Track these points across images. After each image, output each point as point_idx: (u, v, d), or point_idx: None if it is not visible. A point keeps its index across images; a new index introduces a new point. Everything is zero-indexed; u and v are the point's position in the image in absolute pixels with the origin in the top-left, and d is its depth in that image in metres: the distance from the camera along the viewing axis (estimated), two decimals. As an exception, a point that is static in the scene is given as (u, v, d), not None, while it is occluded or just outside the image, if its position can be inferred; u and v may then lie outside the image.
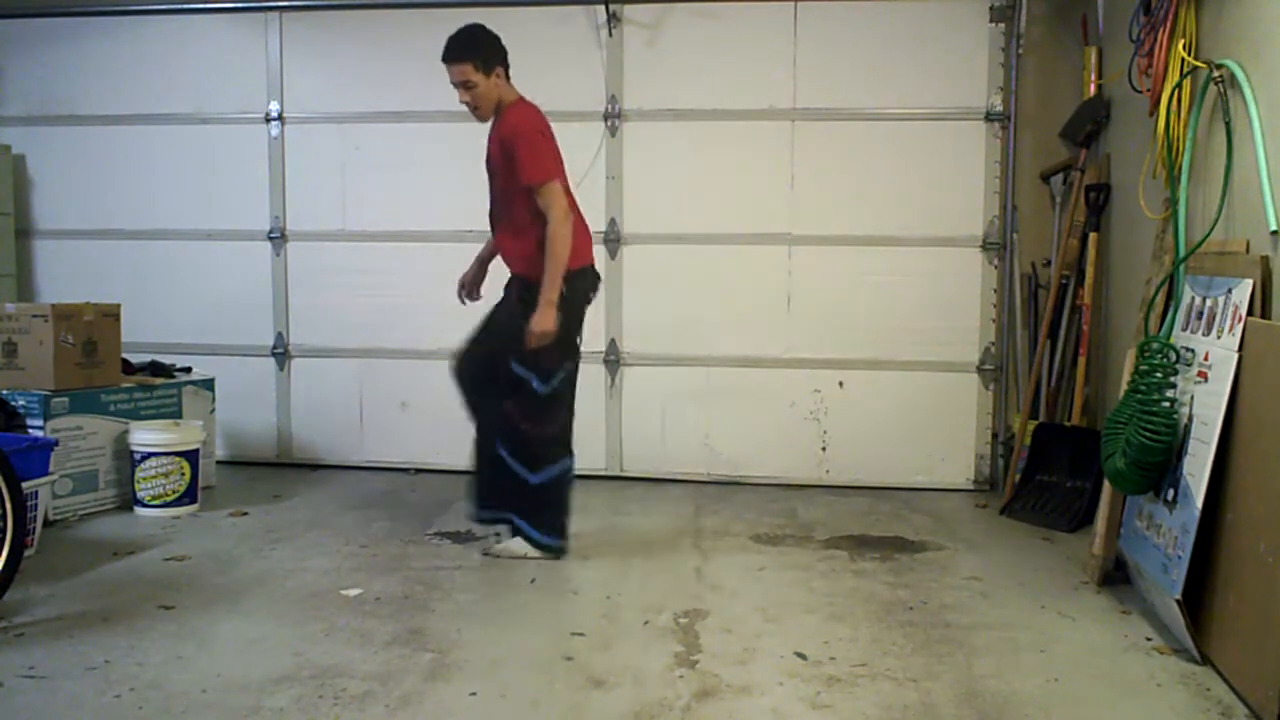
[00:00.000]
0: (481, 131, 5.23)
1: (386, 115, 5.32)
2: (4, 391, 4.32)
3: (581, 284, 3.77)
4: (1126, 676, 2.85)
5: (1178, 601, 2.91)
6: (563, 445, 3.82)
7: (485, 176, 5.33)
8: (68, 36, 5.54)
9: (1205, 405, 2.99)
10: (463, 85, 3.72)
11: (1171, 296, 3.49)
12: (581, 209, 5.12)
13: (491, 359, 3.81)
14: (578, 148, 5.14)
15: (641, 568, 3.78)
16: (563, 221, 3.62)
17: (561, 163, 3.76)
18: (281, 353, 5.48)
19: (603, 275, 5.16)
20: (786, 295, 5.09)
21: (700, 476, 5.15)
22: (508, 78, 3.80)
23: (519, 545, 3.83)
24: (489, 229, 4.01)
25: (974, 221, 5.02)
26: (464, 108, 5.19)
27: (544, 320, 3.58)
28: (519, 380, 3.71)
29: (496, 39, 3.75)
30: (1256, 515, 2.72)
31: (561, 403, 3.80)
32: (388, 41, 5.30)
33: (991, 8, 4.93)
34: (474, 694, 2.69)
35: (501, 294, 3.95)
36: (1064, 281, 4.73)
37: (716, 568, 3.79)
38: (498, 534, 3.98)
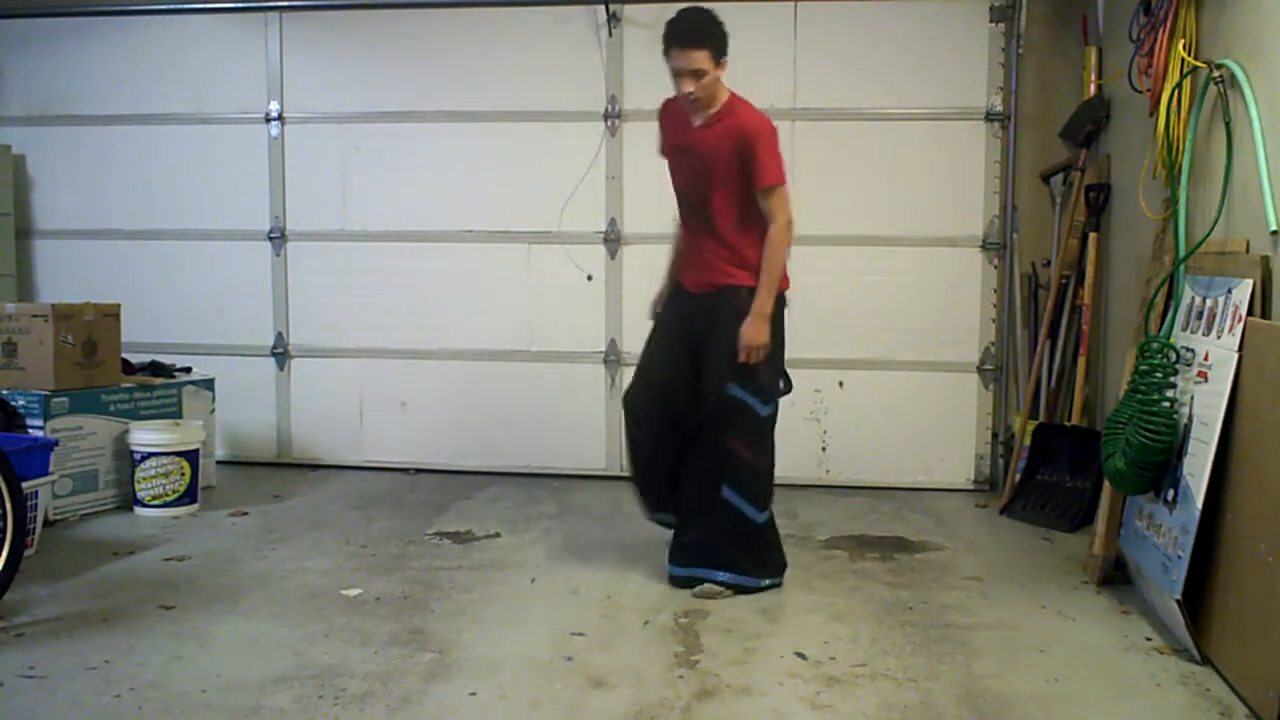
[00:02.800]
0: (481, 132, 5.29)
1: (386, 115, 5.32)
2: (4, 391, 4.32)
3: (784, 307, 3.56)
4: (1126, 676, 2.85)
5: (1178, 601, 2.91)
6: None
7: (509, 177, 5.30)
8: (67, 36, 5.54)
9: (1205, 405, 2.99)
10: (692, 75, 3.35)
11: (1171, 296, 3.49)
12: (590, 209, 5.16)
13: (694, 384, 3.48)
14: (578, 148, 5.17)
15: (641, 568, 3.78)
16: (786, 229, 3.42)
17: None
18: (281, 353, 5.48)
19: (603, 275, 5.24)
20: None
21: (700, 476, 5.16)
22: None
23: (712, 588, 3.46)
24: (684, 236, 3.73)
25: (974, 221, 5.02)
26: (463, 107, 5.27)
27: (759, 332, 3.36)
28: (736, 405, 3.41)
29: (725, 26, 3.42)
30: (1256, 515, 2.72)
31: (774, 427, 3.55)
32: (388, 41, 5.30)
33: (991, 8, 4.93)
34: (474, 694, 2.69)
35: (675, 309, 3.65)
36: (1064, 281, 4.73)
37: (716, 568, 3.79)
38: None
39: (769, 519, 3.54)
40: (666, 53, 3.39)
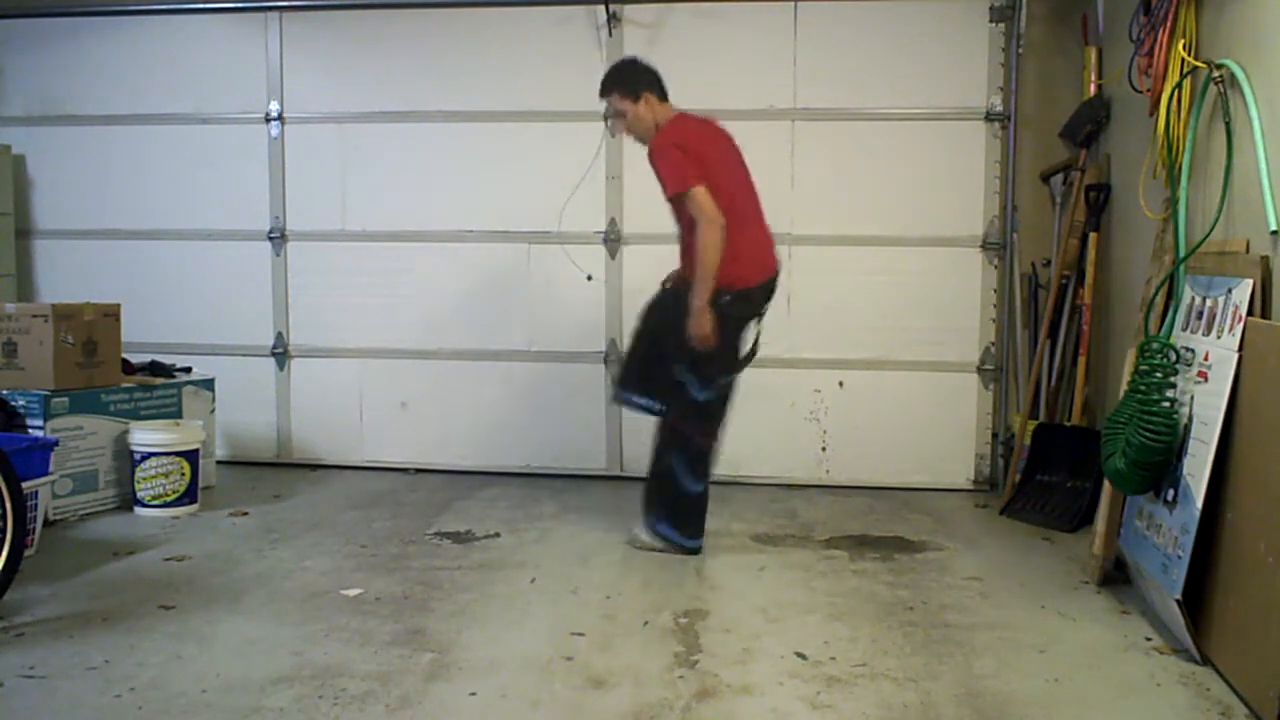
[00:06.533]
0: (481, 132, 5.30)
1: (386, 115, 5.32)
2: (4, 391, 4.32)
3: (738, 304, 3.78)
4: (1126, 676, 2.85)
5: (1178, 601, 2.91)
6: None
7: (509, 177, 5.36)
8: (67, 36, 5.54)
9: (1205, 405, 2.99)
10: (616, 115, 3.95)
11: (1171, 296, 3.49)
12: (591, 209, 5.16)
13: (655, 355, 3.89)
14: (578, 148, 5.16)
15: (641, 568, 3.78)
16: (707, 228, 3.65)
17: (716, 169, 3.76)
18: (281, 353, 5.48)
19: (603, 275, 5.24)
20: (787, 295, 5.08)
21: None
22: (660, 100, 3.92)
23: (649, 538, 3.95)
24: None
25: (974, 221, 5.02)
26: (463, 107, 5.28)
27: (696, 325, 3.68)
28: (679, 386, 3.80)
29: (642, 67, 3.96)
30: (1256, 515, 2.72)
31: (721, 411, 3.92)
32: (388, 41, 5.30)
33: (991, 8, 4.93)
34: (474, 694, 2.69)
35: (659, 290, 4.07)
36: (1064, 281, 4.73)
37: (716, 568, 3.79)
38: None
39: (704, 491, 3.90)
40: None
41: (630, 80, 3.90)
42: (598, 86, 3.96)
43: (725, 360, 3.82)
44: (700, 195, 3.66)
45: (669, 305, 3.89)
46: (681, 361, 3.77)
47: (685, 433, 3.85)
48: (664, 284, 4.08)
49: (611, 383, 4.07)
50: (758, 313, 3.89)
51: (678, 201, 3.76)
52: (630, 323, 5.19)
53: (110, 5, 5.47)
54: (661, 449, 3.91)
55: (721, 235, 3.64)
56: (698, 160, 3.72)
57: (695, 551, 3.91)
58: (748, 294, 3.81)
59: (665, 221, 5.19)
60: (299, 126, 5.41)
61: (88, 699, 2.62)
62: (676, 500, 3.89)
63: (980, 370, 5.06)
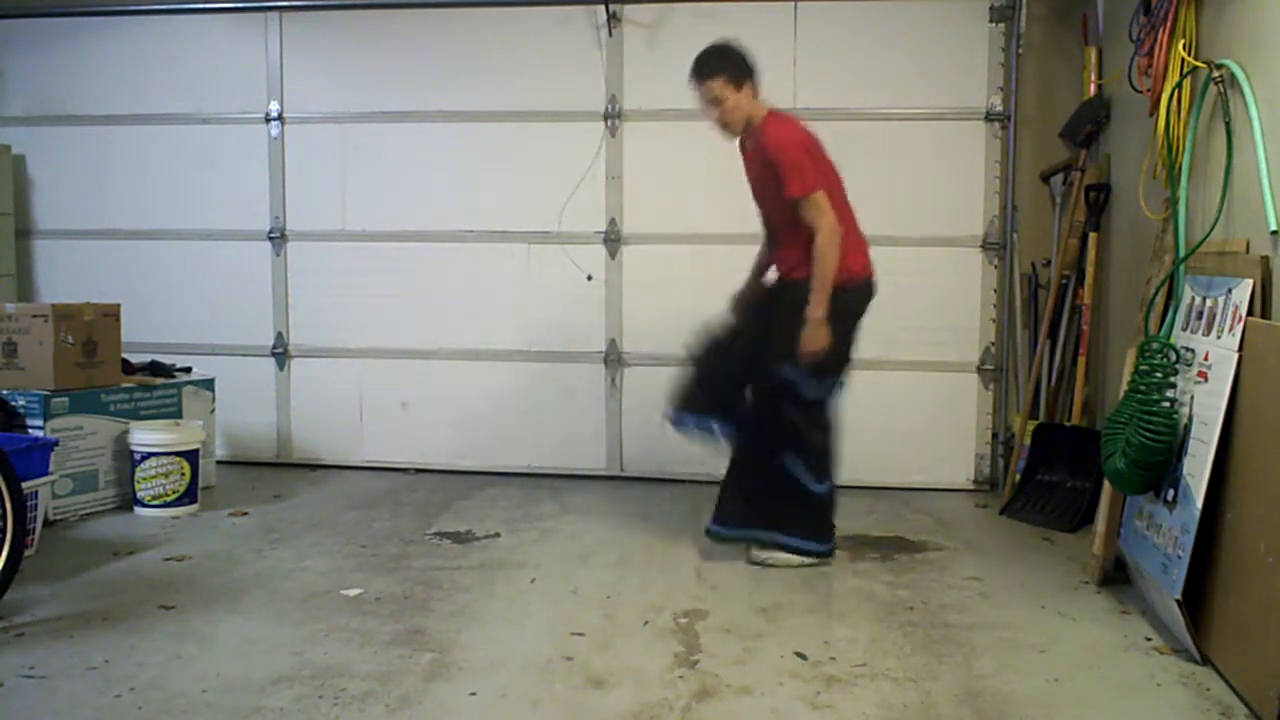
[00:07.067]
0: (481, 132, 5.29)
1: (386, 115, 5.32)
2: (4, 391, 4.32)
3: (856, 298, 3.73)
4: (1126, 676, 2.85)
5: (1178, 601, 2.91)
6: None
7: (509, 177, 5.30)
8: (67, 36, 5.54)
9: (1205, 405, 2.99)
10: (710, 104, 3.67)
11: (1171, 296, 3.49)
12: (591, 209, 5.15)
13: (751, 358, 3.76)
14: (578, 148, 5.17)
15: (641, 568, 3.78)
16: (830, 237, 3.58)
17: (829, 174, 3.70)
18: (281, 353, 5.48)
19: (603, 275, 5.24)
20: (786, 295, 5.08)
21: (700, 476, 5.14)
22: (756, 93, 3.73)
23: (785, 556, 3.75)
24: (764, 239, 4.00)
25: (974, 221, 5.02)
26: (463, 107, 5.27)
27: (812, 339, 3.58)
28: (787, 384, 3.65)
29: (748, 54, 3.71)
30: (1256, 515, 2.72)
31: (833, 406, 3.81)
32: (388, 41, 5.30)
33: (991, 8, 4.93)
34: (474, 694, 2.69)
35: (761, 296, 3.94)
36: (1064, 281, 4.73)
37: (716, 568, 3.79)
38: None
39: (830, 491, 3.77)
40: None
41: (739, 67, 3.66)
42: (693, 65, 3.69)
43: (842, 358, 3.74)
44: (823, 200, 3.59)
45: (775, 305, 3.76)
46: (793, 362, 3.62)
47: (800, 429, 3.70)
48: (737, 303, 3.96)
49: (671, 405, 3.87)
50: (865, 309, 3.80)
51: (793, 204, 3.62)
52: (630, 322, 5.24)
53: (110, 5, 5.47)
54: (768, 454, 3.72)
55: (840, 240, 3.61)
56: (816, 163, 3.65)
57: (829, 555, 3.79)
58: (860, 290, 3.75)
59: (665, 222, 5.23)
60: (299, 126, 5.41)
61: (88, 699, 2.63)
62: (802, 505, 3.72)
63: (980, 370, 5.06)
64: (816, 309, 3.57)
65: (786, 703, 2.65)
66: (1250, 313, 2.92)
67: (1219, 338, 3.04)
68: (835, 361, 3.71)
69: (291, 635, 3.07)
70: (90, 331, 4.49)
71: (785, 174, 3.61)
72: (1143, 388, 3.22)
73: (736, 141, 3.86)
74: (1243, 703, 2.64)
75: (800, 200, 3.61)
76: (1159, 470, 3.15)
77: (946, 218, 5.02)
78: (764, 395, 3.74)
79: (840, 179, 3.78)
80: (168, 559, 3.82)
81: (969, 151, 4.99)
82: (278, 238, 5.44)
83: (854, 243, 3.74)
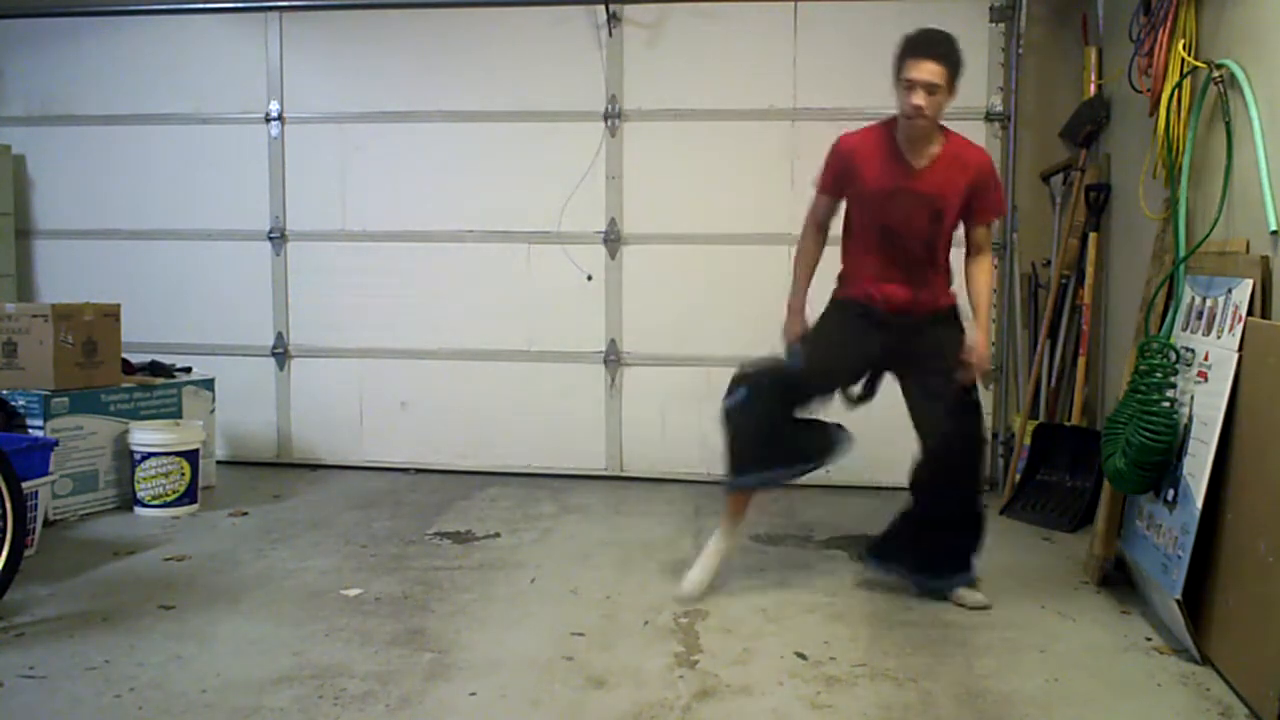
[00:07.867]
0: (481, 132, 5.28)
1: (386, 115, 5.32)
2: (4, 391, 4.32)
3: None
4: (1126, 676, 2.85)
5: (1178, 601, 2.91)
6: None
7: (509, 177, 5.21)
8: (67, 36, 5.54)
9: (1205, 405, 2.99)
10: (925, 89, 3.19)
11: (1171, 296, 3.49)
12: (590, 209, 5.15)
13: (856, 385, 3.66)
14: (578, 148, 5.16)
15: (641, 568, 3.78)
16: (991, 256, 3.58)
17: None
18: (281, 353, 5.48)
19: (603, 275, 5.24)
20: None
21: (700, 476, 5.14)
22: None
23: (977, 596, 3.47)
24: (894, 265, 3.46)
25: (974, 221, 5.01)
26: (463, 107, 5.26)
27: (984, 358, 3.48)
28: (977, 405, 3.49)
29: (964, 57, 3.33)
30: (1256, 515, 2.72)
31: None
32: (388, 41, 5.30)
33: (991, 8, 4.93)
34: (474, 694, 2.69)
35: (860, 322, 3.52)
36: (1064, 281, 4.73)
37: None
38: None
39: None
40: (901, 65, 3.26)
41: (960, 67, 3.28)
42: (925, 43, 3.27)
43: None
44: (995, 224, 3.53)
45: (899, 340, 3.45)
46: (973, 383, 3.44)
47: (980, 451, 3.55)
48: (793, 344, 3.63)
49: (731, 472, 3.51)
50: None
51: (982, 226, 3.49)
52: (630, 322, 5.23)
53: (110, 5, 5.47)
54: (969, 500, 3.52)
55: None
56: None
57: None
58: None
59: (665, 222, 5.23)
60: (299, 126, 5.41)
61: (88, 699, 2.63)
62: (980, 537, 3.55)
63: (980, 370, 5.05)
64: (982, 330, 3.49)
65: (786, 703, 2.65)
66: (1250, 313, 2.92)
67: (1219, 338, 3.04)
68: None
69: (291, 635, 3.07)
70: (90, 331, 4.49)
71: (998, 193, 3.49)
72: (1143, 388, 3.22)
73: (845, 147, 3.43)
74: (1243, 703, 2.64)
75: (996, 219, 3.55)
76: (1159, 470, 3.15)
77: (946, 218, 5.01)
78: (966, 422, 3.45)
79: None
80: (168, 559, 3.82)
81: (969, 151, 4.98)
82: (278, 238, 5.44)
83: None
